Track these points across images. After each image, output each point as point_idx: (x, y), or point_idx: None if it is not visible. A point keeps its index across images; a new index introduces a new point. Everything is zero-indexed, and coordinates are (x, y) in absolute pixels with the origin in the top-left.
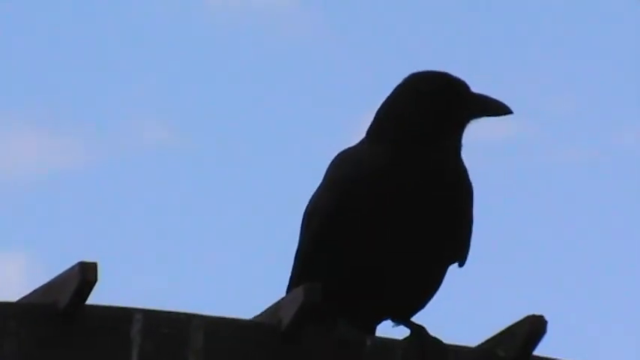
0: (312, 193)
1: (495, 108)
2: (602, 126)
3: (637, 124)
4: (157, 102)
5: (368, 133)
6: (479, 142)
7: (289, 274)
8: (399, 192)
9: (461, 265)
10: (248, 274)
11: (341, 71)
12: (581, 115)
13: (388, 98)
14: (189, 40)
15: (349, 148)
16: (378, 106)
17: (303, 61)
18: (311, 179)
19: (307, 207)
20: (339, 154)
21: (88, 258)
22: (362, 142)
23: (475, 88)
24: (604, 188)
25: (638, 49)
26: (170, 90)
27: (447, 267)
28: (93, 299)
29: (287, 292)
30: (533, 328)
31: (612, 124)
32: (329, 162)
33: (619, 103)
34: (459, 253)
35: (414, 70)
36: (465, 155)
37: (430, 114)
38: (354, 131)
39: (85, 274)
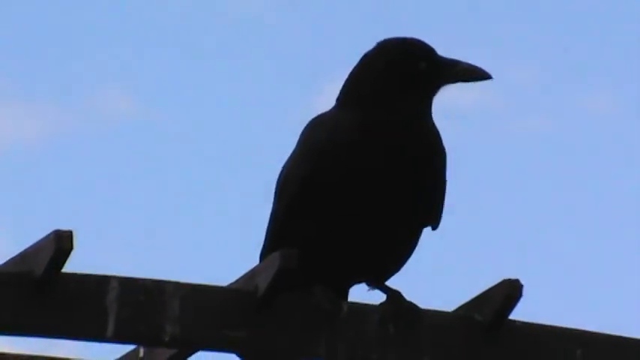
0: (284, 160)
1: (474, 73)
2: (568, 93)
3: (603, 90)
4: (122, 73)
5: (339, 99)
6: (445, 109)
7: (263, 242)
8: (374, 156)
9: (434, 228)
10: (222, 242)
11: (305, 41)
12: (546, 82)
13: (358, 65)
14: (153, 12)
15: (322, 114)
16: (347, 73)
17: (266, 33)
18: (281, 147)
19: (281, 173)
20: (312, 120)
21: (61, 227)
22: (334, 108)
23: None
24: (572, 154)
25: (601, 14)
26: (135, 62)
27: (421, 230)
28: (68, 268)
29: (260, 259)
30: (508, 292)
31: (578, 91)
32: (300, 130)
33: (584, 69)
34: (432, 216)
35: (378, 38)
36: (436, 120)
37: (401, 80)
38: (320, 101)
39: (61, 243)
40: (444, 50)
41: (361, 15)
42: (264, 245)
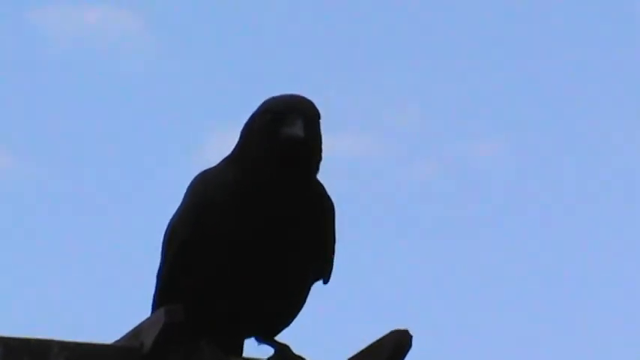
0: (171, 215)
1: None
2: (453, 137)
3: (490, 135)
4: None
5: (228, 155)
6: (330, 160)
7: (152, 298)
8: (257, 215)
9: (325, 282)
10: (108, 299)
11: (188, 92)
12: (427, 126)
13: (247, 121)
14: (31, 68)
15: (209, 169)
16: (233, 126)
17: (150, 82)
18: (170, 201)
19: (167, 229)
20: (198, 175)
21: None
22: (222, 162)
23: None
24: (458, 202)
25: (483, 50)
26: (15, 116)
27: (311, 285)
28: None
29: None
30: (398, 342)
31: (463, 134)
32: (188, 183)
33: (466, 111)
34: (323, 270)
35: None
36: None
37: (274, 137)
38: (210, 150)
39: None
40: (325, 100)
41: (247, 68)
42: (153, 302)
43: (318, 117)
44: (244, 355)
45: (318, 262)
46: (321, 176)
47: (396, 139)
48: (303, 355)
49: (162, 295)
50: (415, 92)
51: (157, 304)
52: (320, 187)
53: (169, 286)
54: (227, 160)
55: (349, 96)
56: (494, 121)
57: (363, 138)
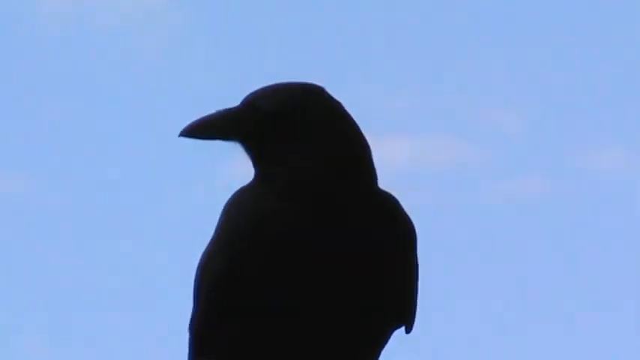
0: (202, 247)
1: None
2: (562, 148)
3: (606, 140)
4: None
5: (260, 169)
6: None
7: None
8: (311, 241)
9: (408, 330)
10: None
11: (210, 72)
12: (535, 134)
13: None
14: (28, 50)
15: (245, 188)
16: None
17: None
18: (200, 229)
19: (199, 265)
20: (233, 196)
21: None
22: (257, 179)
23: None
24: (574, 223)
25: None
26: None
27: (388, 334)
28: None
29: None
30: None
31: (572, 145)
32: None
33: (582, 115)
34: (401, 315)
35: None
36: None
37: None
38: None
39: None
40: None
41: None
42: (189, 356)
43: (283, 114)
44: None
45: (395, 304)
46: (398, 191)
47: (498, 148)
48: None
49: (197, 350)
50: (520, 93)
51: None
52: (392, 205)
53: (204, 337)
54: (262, 176)
55: (435, 93)
56: (614, 128)
57: (456, 143)
